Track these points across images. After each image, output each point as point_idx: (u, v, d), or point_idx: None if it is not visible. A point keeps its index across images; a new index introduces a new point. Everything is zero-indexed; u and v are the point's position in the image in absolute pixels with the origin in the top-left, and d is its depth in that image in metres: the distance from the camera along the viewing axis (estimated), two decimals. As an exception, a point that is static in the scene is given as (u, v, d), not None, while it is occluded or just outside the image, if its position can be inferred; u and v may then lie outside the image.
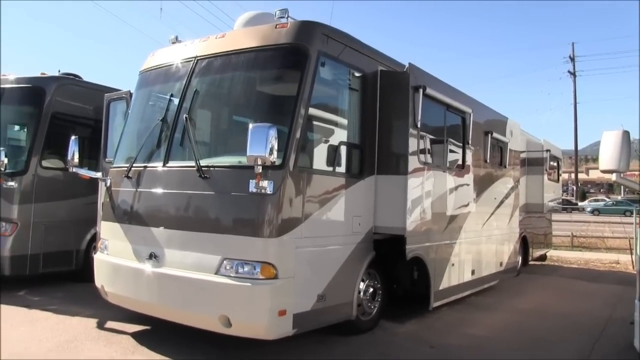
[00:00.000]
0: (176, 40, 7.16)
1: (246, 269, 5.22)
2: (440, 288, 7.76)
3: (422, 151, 7.16)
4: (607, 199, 56.11)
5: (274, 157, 4.94)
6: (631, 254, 15.67)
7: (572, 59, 57.15)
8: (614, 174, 4.94)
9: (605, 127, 4.82)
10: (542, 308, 9.02)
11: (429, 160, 7.44)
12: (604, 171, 4.96)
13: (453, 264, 8.19)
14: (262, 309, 5.17)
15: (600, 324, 7.86)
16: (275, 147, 4.91)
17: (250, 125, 4.97)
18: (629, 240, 16.94)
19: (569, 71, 57.28)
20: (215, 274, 5.33)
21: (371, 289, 6.81)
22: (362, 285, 6.59)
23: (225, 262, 5.32)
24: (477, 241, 9.26)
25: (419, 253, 7.07)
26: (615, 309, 9.00)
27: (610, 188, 70.81)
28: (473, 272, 9.03)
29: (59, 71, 10.15)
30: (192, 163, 5.67)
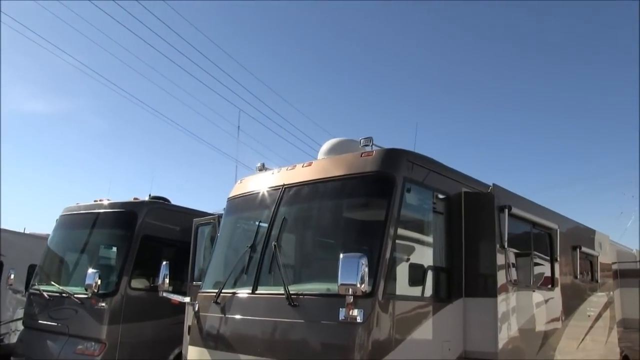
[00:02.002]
0: (263, 167, 7.52)
1: None
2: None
3: (510, 271, 6.97)
4: None
5: (365, 286, 4.96)
6: None
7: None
8: None
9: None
10: None
11: (518, 279, 7.22)
12: None
13: (549, 391, 7.68)
14: None
15: None
16: (367, 276, 4.95)
17: (341, 255, 5.05)
18: None
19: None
20: None
21: (461, 417, 6.45)
22: (452, 413, 6.26)
23: None
24: (574, 363, 8.68)
25: (513, 378, 6.70)
26: None
27: None
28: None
29: (150, 195, 10.76)
30: (281, 290, 5.75)
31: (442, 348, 6.12)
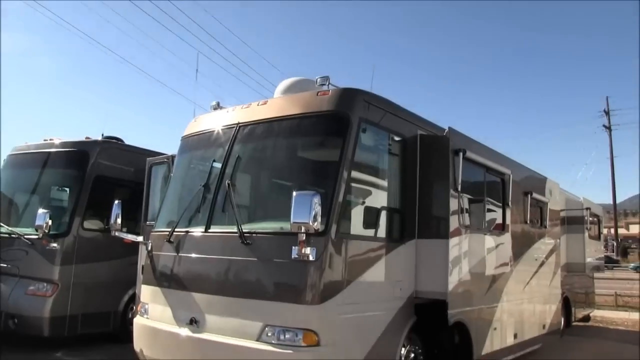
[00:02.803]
0: (217, 106, 7.35)
1: (288, 336, 5.18)
2: (483, 353, 7.54)
3: (462, 214, 7.09)
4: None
5: (318, 224, 4.96)
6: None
7: (607, 113, 56.59)
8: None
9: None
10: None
11: (470, 222, 7.36)
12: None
13: (495, 328, 7.97)
14: (304, 377, 5.09)
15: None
16: (319, 214, 4.94)
17: (294, 193, 5.02)
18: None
19: (604, 125, 56.64)
20: (257, 340, 5.30)
21: (412, 355, 6.64)
22: (403, 351, 6.43)
23: (267, 328, 5.29)
24: (519, 303, 9.02)
25: (461, 317, 6.91)
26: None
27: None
28: (515, 336, 8.76)
29: (102, 135, 10.46)
30: (234, 228, 5.73)
31: (393, 288, 6.23)
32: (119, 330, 9.47)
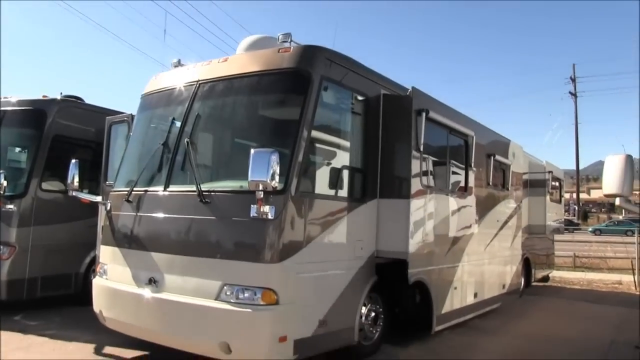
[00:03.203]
0: (178, 63, 7.18)
1: (247, 294, 5.17)
2: (443, 312, 7.68)
3: (425, 174, 7.11)
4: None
5: (276, 183, 4.91)
6: (634, 274, 15.59)
7: (573, 80, 57.23)
8: (618, 198, 4.90)
9: (606, 148, 4.83)
10: (545, 332, 8.91)
11: (432, 183, 7.40)
12: (607, 195, 4.93)
13: (455, 287, 8.11)
14: (262, 335, 5.11)
15: (604, 348, 7.75)
16: (277, 172, 4.88)
17: (252, 150, 4.95)
18: (631, 261, 16.85)
19: (570, 92, 57.38)
20: (216, 299, 5.29)
21: (373, 314, 6.73)
22: (364, 310, 6.51)
23: (225, 287, 5.27)
24: (480, 264, 9.19)
25: (421, 277, 6.99)
26: (619, 332, 8.90)
27: (611, 208, 70.65)
28: (476, 295, 8.94)
29: (61, 94, 10.13)
30: (193, 187, 5.65)
31: (354, 247, 6.25)
32: (80, 293, 9.33)
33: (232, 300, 5.20)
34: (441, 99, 7.69)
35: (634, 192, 5.13)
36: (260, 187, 4.90)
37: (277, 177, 4.89)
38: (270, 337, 5.11)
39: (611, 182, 4.83)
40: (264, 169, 4.81)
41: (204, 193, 5.56)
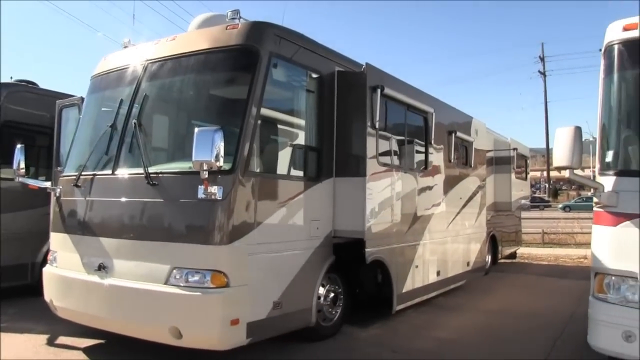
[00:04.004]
0: (129, 43, 6.96)
1: (196, 277, 5.05)
2: (404, 291, 7.65)
3: (382, 152, 7.03)
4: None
5: (221, 162, 4.77)
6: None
7: (542, 59, 57.91)
8: (567, 170, 4.87)
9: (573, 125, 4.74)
10: (509, 307, 8.98)
11: (389, 161, 7.32)
12: (557, 168, 4.89)
13: (417, 266, 8.09)
14: (213, 318, 5.00)
15: (564, 321, 7.83)
16: (222, 151, 4.75)
17: (196, 129, 4.80)
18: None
19: (539, 71, 57.98)
20: (165, 283, 5.16)
21: (332, 294, 6.67)
22: (322, 291, 6.45)
23: (174, 271, 5.14)
24: (443, 242, 9.18)
25: (380, 256, 6.94)
26: (579, 305, 8.99)
27: (581, 185, 71.80)
28: (439, 273, 8.94)
29: (11, 78, 9.81)
30: (141, 170, 5.49)
31: (309, 227, 6.16)
32: (37, 283, 9.08)
33: (181, 284, 5.08)
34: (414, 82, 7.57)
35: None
36: (205, 167, 4.76)
37: (222, 157, 4.76)
38: (221, 320, 5.00)
39: (560, 154, 4.79)
40: (208, 148, 4.67)
41: (151, 175, 5.40)
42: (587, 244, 18.30)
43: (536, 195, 56.84)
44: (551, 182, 64.71)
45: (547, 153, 60.52)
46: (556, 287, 11.17)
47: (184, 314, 5.03)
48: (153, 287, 5.19)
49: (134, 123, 5.79)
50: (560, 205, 51.21)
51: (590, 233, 17.13)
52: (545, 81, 57.76)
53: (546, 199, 57.47)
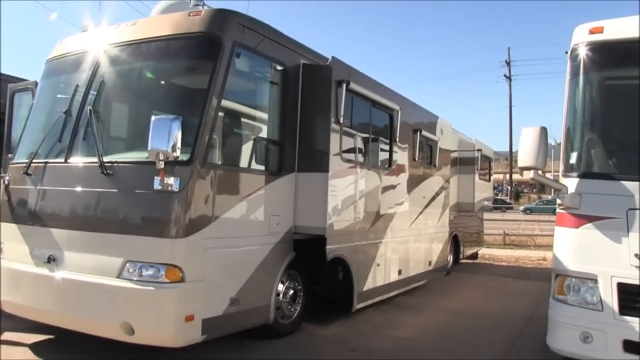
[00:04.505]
0: (88, 27, 6.71)
1: (150, 271, 4.87)
2: (365, 289, 7.58)
3: (346, 149, 6.94)
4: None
5: (178, 153, 4.61)
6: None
7: (508, 64, 58.67)
8: (532, 171, 4.86)
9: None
10: (469, 307, 9.00)
11: (353, 158, 7.23)
12: (522, 168, 4.87)
13: (378, 264, 8.03)
14: (166, 314, 4.83)
15: (523, 321, 7.88)
16: (179, 141, 4.58)
17: (153, 117, 4.63)
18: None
19: (505, 75, 58.80)
20: (117, 277, 4.96)
21: (292, 291, 6.56)
22: (281, 287, 6.33)
23: (128, 264, 4.95)
24: (405, 240, 9.14)
25: (341, 253, 6.85)
26: (538, 306, 9.07)
27: (542, 188, 73.29)
28: (400, 272, 8.90)
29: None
30: (95, 159, 5.27)
31: (269, 222, 6.03)
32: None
33: (134, 278, 4.89)
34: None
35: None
36: (162, 157, 4.58)
37: (179, 147, 4.59)
38: (175, 316, 4.83)
39: (525, 154, 4.78)
40: (165, 137, 4.50)
41: (106, 164, 5.19)
42: (547, 246, 18.67)
43: (498, 197, 57.74)
44: (513, 184, 65.80)
45: (511, 156, 61.53)
46: (516, 288, 11.28)
47: (136, 309, 4.84)
48: (105, 280, 4.98)
49: (90, 110, 5.56)
50: (521, 208, 52.16)
51: (549, 235, 17.46)
52: (510, 85, 58.57)
53: (508, 201, 58.41)
